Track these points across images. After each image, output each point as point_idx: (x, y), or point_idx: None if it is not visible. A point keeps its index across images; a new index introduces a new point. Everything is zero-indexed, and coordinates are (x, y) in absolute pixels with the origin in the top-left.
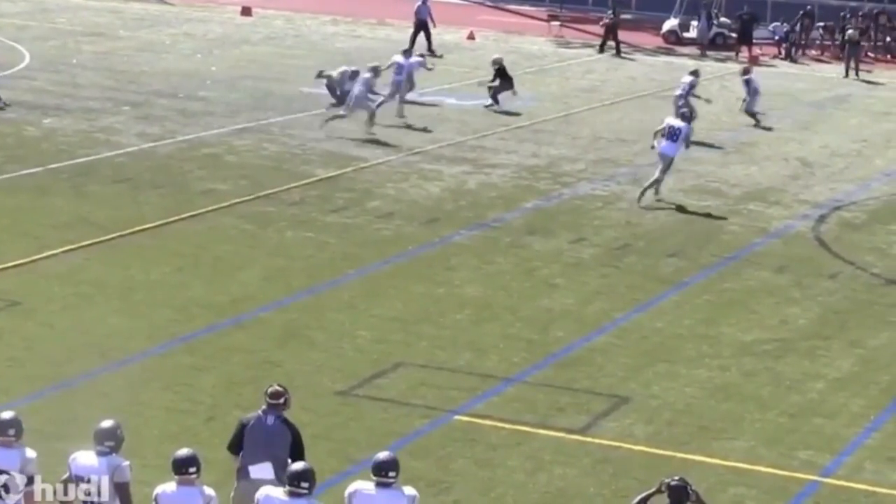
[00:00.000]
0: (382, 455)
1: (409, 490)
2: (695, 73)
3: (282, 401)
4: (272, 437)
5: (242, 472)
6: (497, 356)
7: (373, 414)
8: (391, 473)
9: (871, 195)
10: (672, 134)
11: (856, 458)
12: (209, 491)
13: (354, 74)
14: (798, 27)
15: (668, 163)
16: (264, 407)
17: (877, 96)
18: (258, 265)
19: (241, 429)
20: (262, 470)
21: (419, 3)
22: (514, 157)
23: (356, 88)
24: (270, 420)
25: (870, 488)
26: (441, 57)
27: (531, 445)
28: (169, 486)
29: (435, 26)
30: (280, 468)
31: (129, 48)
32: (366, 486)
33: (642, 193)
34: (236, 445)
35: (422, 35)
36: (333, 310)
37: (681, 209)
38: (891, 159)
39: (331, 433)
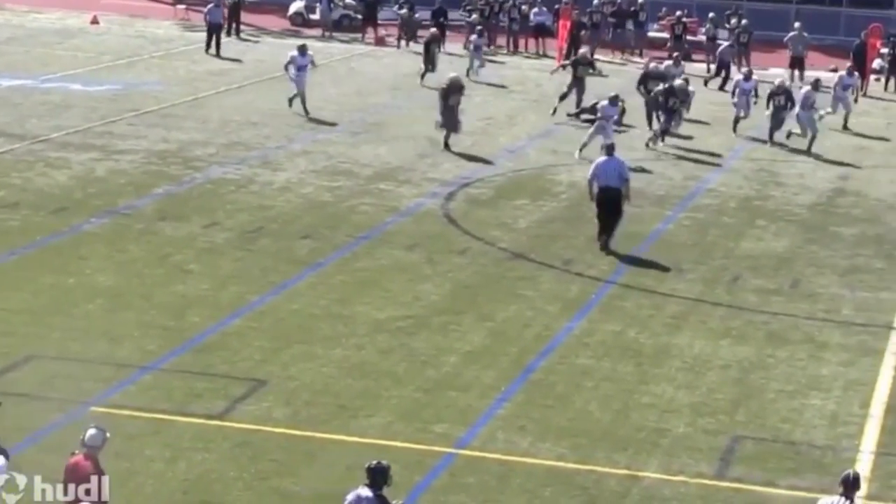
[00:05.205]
0: None
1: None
2: (815, 83)
3: None
4: None
5: None
6: (132, 344)
7: (4, 410)
8: None
9: (496, 172)
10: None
11: (489, 429)
12: None
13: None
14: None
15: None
16: None
17: (501, 75)
18: None
19: None
20: None
21: (211, 5)
22: (144, 143)
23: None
24: None
25: (502, 457)
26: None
27: (169, 433)
28: None
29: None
30: None
31: None
32: None
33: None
34: None
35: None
36: None
37: (313, 190)
38: (514, 136)
39: None
